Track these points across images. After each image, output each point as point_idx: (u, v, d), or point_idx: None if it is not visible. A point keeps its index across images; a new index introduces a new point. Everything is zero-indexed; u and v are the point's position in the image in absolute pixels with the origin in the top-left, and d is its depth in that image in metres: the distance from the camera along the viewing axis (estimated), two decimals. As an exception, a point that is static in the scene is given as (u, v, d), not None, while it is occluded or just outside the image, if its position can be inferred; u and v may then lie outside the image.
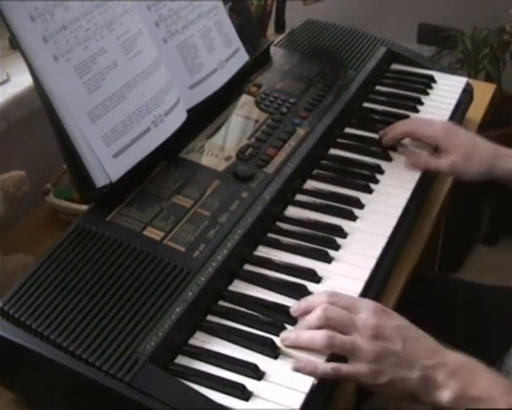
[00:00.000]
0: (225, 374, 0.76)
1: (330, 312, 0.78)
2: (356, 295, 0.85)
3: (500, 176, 1.05)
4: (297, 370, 0.76)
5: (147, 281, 0.81)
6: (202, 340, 0.80)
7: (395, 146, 1.13)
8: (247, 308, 0.84)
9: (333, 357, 0.77)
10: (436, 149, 1.10)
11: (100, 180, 0.89)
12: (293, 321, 0.82)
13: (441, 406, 0.74)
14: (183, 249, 0.85)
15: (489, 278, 1.40)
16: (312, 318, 0.79)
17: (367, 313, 0.78)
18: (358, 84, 1.23)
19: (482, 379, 0.74)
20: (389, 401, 1.58)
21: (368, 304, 0.80)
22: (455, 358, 0.76)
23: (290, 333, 0.79)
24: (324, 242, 0.93)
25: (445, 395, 0.74)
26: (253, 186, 0.96)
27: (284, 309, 0.83)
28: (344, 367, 0.76)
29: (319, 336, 0.77)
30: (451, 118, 1.23)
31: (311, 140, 1.07)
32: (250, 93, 1.16)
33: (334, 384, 0.79)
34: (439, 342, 0.78)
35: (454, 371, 0.75)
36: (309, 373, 0.75)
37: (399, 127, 1.12)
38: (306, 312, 0.80)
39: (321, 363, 0.76)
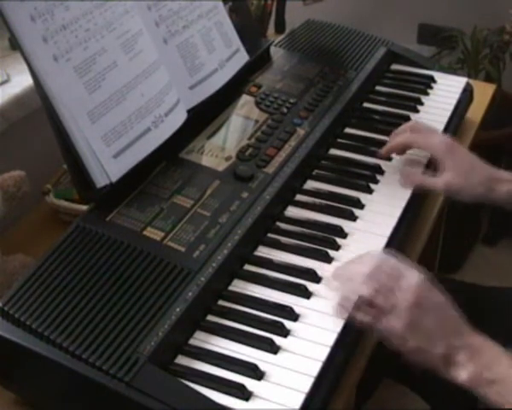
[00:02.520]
0: (225, 374, 0.76)
1: (379, 271, 0.82)
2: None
3: (495, 199, 1.03)
4: (338, 307, 0.82)
5: (147, 281, 0.81)
6: (202, 340, 0.80)
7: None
8: (247, 308, 0.84)
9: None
10: (430, 163, 1.08)
11: (100, 180, 0.89)
12: (295, 319, 0.82)
13: (457, 382, 0.78)
14: (183, 249, 0.85)
15: (489, 279, 1.40)
16: (363, 268, 0.82)
17: (414, 280, 0.81)
18: (358, 85, 1.23)
19: (499, 363, 0.78)
20: (389, 402, 1.58)
21: (415, 274, 0.83)
22: (478, 341, 0.80)
23: (341, 271, 0.84)
24: (324, 242, 0.93)
25: (462, 374, 0.78)
26: (253, 186, 0.96)
27: (284, 309, 0.83)
28: (382, 321, 0.80)
29: (368, 287, 0.81)
30: (451, 118, 1.23)
31: (311, 140, 1.07)
32: (250, 93, 1.16)
33: (334, 383, 0.79)
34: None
35: (474, 353, 0.78)
36: (349, 313, 0.80)
37: (398, 139, 1.09)
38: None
39: (362, 312, 0.80)
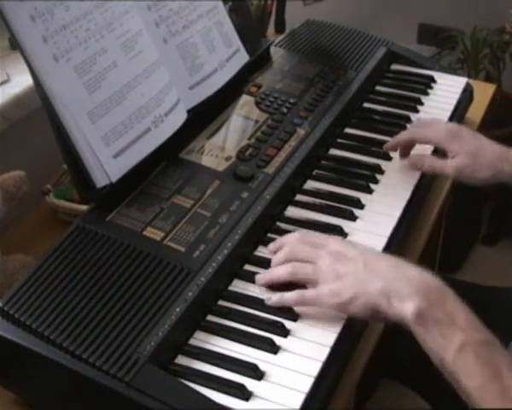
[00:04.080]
0: (225, 374, 0.76)
1: (296, 247, 0.85)
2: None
3: (507, 179, 1.03)
4: (267, 301, 0.83)
5: (147, 281, 0.81)
6: (202, 340, 0.80)
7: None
8: (247, 308, 0.84)
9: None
10: (440, 152, 1.08)
11: (100, 180, 0.89)
12: (294, 318, 0.82)
13: (402, 319, 0.74)
14: (183, 249, 0.85)
15: (489, 278, 1.40)
16: (280, 254, 0.86)
17: (332, 244, 0.83)
18: (358, 85, 1.23)
19: (449, 303, 0.74)
20: (389, 402, 1.58)
21: (335, 238, 0.86)
22: (425, 276, 0.77)
23: (263, 274, 0.86)
24: (324, 242, 0.93)
25: (409, 307, 0.73)
26: (253, 186, 0.96)
27: (284, 309, 0.83)
28: (309, 291, 0.81)
29: (284, 267, 0.84)
30: (451, 118, 1.23)
31: (311, 140, 1.07)
32: (250, 93, 1.16)
33: (334, 383, 0.79)
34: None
35: (421, 286, 0.75)
36: (278, 302, 0.82)
37: (402, 134, 1.10)
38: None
39: (287, 293, 0.82)
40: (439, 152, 1.09)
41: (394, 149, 1.11)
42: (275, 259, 0.87)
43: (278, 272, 0.84)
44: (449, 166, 1.04)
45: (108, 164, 0.90)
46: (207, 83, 1.09)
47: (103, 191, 0.89)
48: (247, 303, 0.84)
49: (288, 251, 0.85)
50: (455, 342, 0.71)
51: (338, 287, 0.79)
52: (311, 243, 0.85)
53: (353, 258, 0.80)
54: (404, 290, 0.75)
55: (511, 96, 2.18)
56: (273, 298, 0.83)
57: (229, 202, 0.93)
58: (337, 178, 1.06)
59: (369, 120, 1.21)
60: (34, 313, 0.77)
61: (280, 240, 0.89)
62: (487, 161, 1.03)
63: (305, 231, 0.90)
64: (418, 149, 1.10)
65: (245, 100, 1.14)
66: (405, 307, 0.74)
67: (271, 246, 0.90)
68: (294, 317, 0.82)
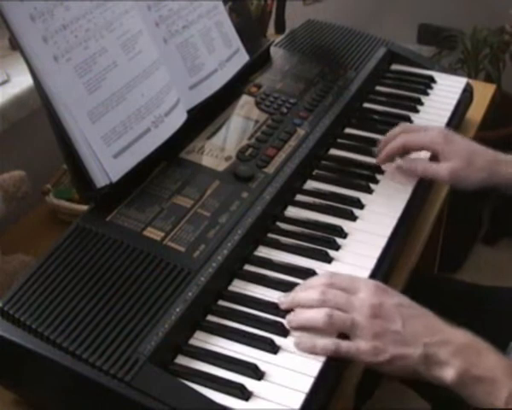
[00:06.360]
0: (225, 374, 0.76)
1: (328, 294, 0.80)
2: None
3: (501, 182, 1.02)
4: (297, 346, 0.78)
5: (147, 281, 0.81)
6: (202, 340, 0.80)
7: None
8: (247, 308, 0.84)
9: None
10: (433, 157, 1.06)
11: (100, 180, 0.89)
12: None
13: (443, 383, 0.75)
14: (183, 249, 0.85)
15: (489, 278, 1.41)
16: (311, 295, 0.81)
17: (366, 292, 0.80)
18: (358, 85, 1.23)
19: (487, 360, 0.75)
20: (389, 402, 1.58)
21: (366, 283, 0.81)
22: (459, 336, 0.77)
23: (293, 315, 0.81)
24: (324, 242, 0.93)
25: (449, 373, 0.74)
26: (253, 186, 0.96)
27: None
28: (344, 343, 0.77)
29: (319, 314, 0.78)
30: (451, 118, 1.23)
31: (311, 140, 1.07)
32: (250, 93, 1.16)
33: (334, 383, 0.79)
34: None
35: (458, 349, 0.75)
36: (309, 349, 0.77)
37: (393, 143, 1.06)
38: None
39: (321, 339, 0.78)
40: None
41: (389, 161, 1.07)
42: (305, 299, 0.81)
43: (313, 316, 0.79)
44: (443, 169, 1.02)
45: (108, 164, 0.90)
46: (207, 83, 1.09)
47: (103, 191, 0.89)
48: (247, 303, 0.84)
49: (321, 295, 0.79)
50: (501, 397, 0.73)
51: (376, 346, 0.76)
52: (342, 288, 0.80)
53: (390, 314, 0.77)
54: (443, 356, 0.75)
55: (511, 96, 2.18)
56: (305, 344, 0.78)
57: (229, 202, 0.93)
58: (337, 178, 1.06)
59: (369, 120, 1.21)
60: (34, 313, 0.77)
61: (307, 283, 0.84)
62: (481, 163, 1.01)
63: (329, 272, 0.85)
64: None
65: (245, 100, 1.14)
66: (446, 374, 0.75)
67: (297, 288, 0.83)
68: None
